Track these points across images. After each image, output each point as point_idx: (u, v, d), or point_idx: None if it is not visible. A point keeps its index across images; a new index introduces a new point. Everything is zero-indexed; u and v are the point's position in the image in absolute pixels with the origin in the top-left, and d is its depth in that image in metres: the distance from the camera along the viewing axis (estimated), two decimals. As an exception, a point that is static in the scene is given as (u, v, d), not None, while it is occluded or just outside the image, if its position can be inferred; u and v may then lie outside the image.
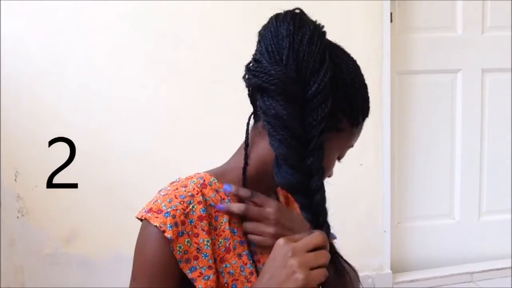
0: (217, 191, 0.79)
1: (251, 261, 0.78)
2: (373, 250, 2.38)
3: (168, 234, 0.72)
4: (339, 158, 0.84)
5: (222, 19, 2.08)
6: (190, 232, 0.74)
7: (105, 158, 2.11)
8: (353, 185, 2.34)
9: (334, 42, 0.80)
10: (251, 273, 0.77)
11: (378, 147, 2.34)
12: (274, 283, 0.67)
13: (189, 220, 0.74)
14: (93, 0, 2.03)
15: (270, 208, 0.80)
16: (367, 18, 2.27)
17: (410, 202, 2.53)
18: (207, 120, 2.16)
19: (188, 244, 0.74)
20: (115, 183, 2.11)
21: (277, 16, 0.76)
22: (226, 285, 0.75)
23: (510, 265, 2.51)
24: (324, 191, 0.73)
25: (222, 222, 0.78)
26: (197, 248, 0.74)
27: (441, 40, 2.45)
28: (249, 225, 0.79)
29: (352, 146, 0.84)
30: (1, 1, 1.98)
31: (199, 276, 0.74)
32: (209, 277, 0.74)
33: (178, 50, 2.13)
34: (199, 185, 0.78)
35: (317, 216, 0.72)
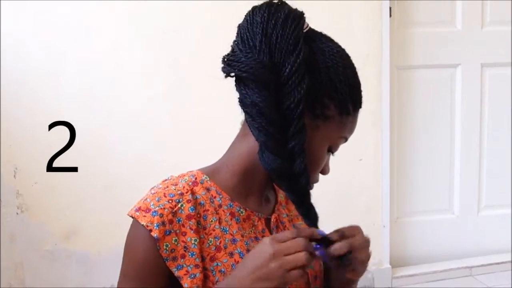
0: (208, 189, 0.79)
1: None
2: (373, 245, 2.35)
3: (155, 233, 0.72)
4: (332, 151, 0.81)
5: (223, 17, 2.07)
6: (178, 231, 0.74)
7: (104, 155, 2.11)
8: (353, 180, 2.34)
9: (322, 32, 0.80)
10: None
11: (377, 142, 2.34)
12: (251, 280, 0.69)
13: (177, 219, 0.74)
14: (93, 0, 2.03)
15: (359, 234, 0.82)
16: (367, 13, 2.26)
17: (410, 197, 2.53)
18: (207, 119, 2.16)
19: (176, 243, 0.73)
20: (114, 180, 2.11)
21: (254, 7, 0.77)
22: (217, 283, 0.75)
23: (509, 259, 2.52)
24: (307, 173, 0.74)
25: (212, 221, 0.77)
26: (185, 247, 0.74)
27: (440, 35, 2.44)
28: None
29: (345, 138, 0.81)
30: (1, 1, 1.97)
31: (185, 275, 0.74)
32: (196, 275, 0.74)
33: (178, 49, 2.12)
34: (190, 183, 0.78)
35: (302, 198, 0.76)
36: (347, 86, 0.77)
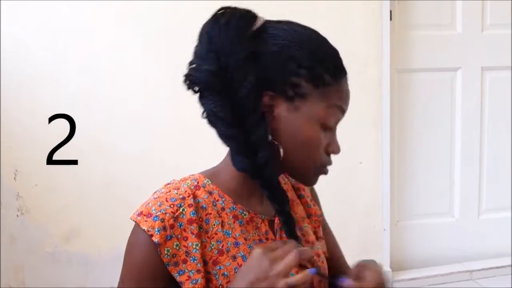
0: (210, 192, 0.79)
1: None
2: (373, 248, 2.38)
3: (156, 239, 0.72)
4: (329, 128, 0.77)
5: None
6: (179, 236, 0.74)
7: (105, 156, 2.11)
8: (353, 184, 2.34)
9: (283, 20, 0.79)
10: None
11: (377, 145, 2.34)
12: None
13: (178, 224, 0.74)
14: (93, 0, 2.03)
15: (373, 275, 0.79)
16: (367, 16, 2.26)
17: (410, 200, 2.53)
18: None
19: (177, 248, 0.73)
20: (115, 181, 2.11)
21: (204, 24, 0.79)
22: (220, 287, 0.75)
23: (509, 263, 2.51)
24: (270, 167, 0.75)
25: (214, 225, 0.77)
26: (186, 252, 0.74)
27: (440, 38, 2.45)
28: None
29: (337, 108, 0.77)
30: (1, 1, 1.97)
31: (187, 280, 0.73)
32: (197, 281, 0.73)
33: (178, 49, 2.12)
34: (192, 187, 0.78)
35: (272, 192, 0.77)
36: (312, 58, 0.75)
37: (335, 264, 0.96)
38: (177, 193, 0.76)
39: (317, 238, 0.91)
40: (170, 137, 2.15)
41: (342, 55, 0.79)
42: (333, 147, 0.79)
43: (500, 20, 2.49)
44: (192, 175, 0.81)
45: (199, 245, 0.74)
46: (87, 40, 2.06)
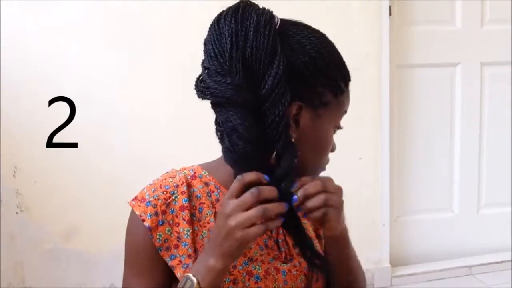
0: (206, 184, 0.79)
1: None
2: (372, 244, 2.38)
3: (147, 223, 0.75)
4: (337, 128, 0.80)
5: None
6: (171, 221, 0.76)
7: (104, 154, 2.11)
8: (352, 179, 2.34)
9: (290, 19, 0.76)
10: (234, 267, 0.77)
11: (377, 141, 2.34)
12: (216, 241, 0.68)
13: (170, 210, 0.76)
14: (93, 0, 2.03)
15: (329, 181, 0.76)
16: (366, 12, 2.26)
17: (409, 196, 2.53)
18: (208, 118, 2.15)
19: (169, 233, 0.76)
20: (114, 179, 2.11)
21: (219, 17, 0.73)
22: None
23: (509, 258, 2.51)
24: (291, 177, 0.71)
25: (207, 214, 0.78)
26: (178, 237, 0.76)
27: (440, 33, 2.44)
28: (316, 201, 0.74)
29: (345, 112, 0.80)
30: (1, 1, 1.97)
31: (178, 264, 0.75)
32: (188, 265, 0.75)
33: (179, 49, 2.12)
34: (189, 177, 0.79)
35: (297, 232, 0.76)
36: (335, 69, 0.76)
37: None
38: (171, 181, 0.78)
39: (317, 236, 0.91)
40: (171, 135, 2.15)
41: (341, 51, 0.79)
42: (334, 146, 0.81)
43: (499, 15, 2.48)
44: (192, 166, 0.83)
45: (190, 231, 0.76)
46: (87, 40, 2.06)
